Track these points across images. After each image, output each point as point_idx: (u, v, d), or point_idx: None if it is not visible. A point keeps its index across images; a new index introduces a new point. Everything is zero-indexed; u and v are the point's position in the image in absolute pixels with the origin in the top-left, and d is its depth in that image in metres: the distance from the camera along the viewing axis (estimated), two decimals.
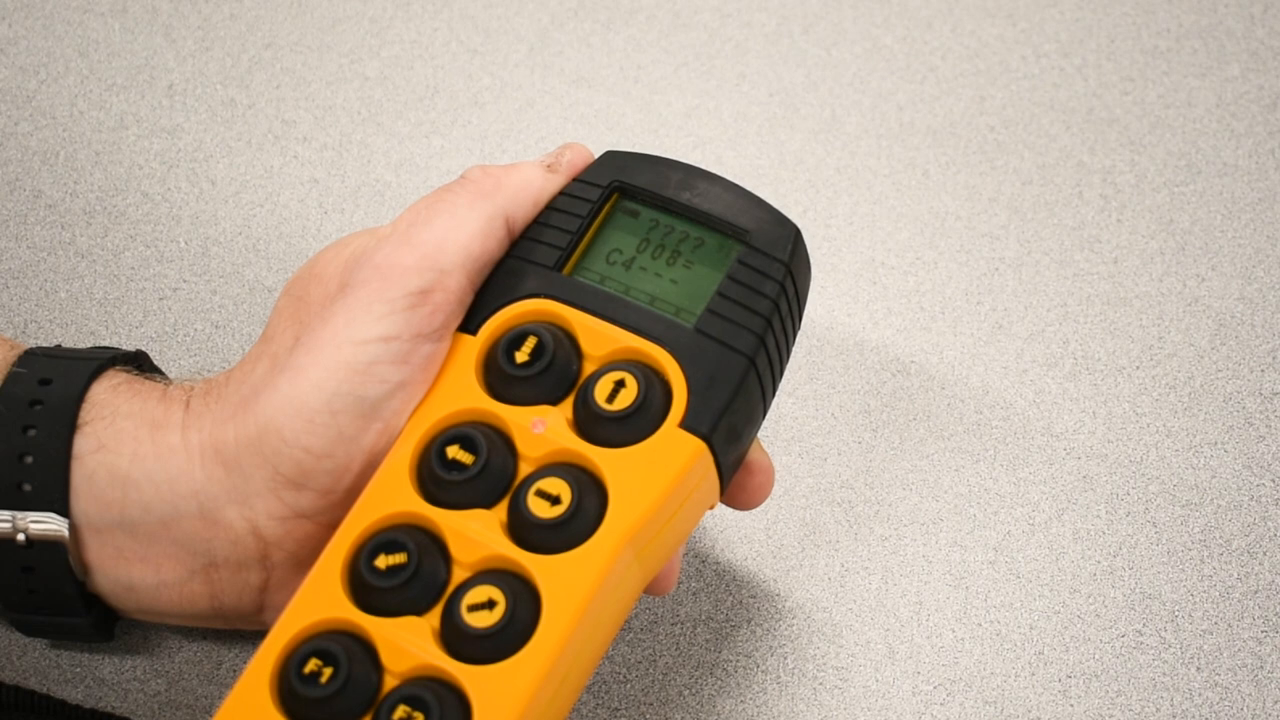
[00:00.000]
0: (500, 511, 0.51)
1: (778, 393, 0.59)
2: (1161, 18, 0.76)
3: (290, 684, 0.48)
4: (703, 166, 0.56)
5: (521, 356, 0.52)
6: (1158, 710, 0.59)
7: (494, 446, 0.51)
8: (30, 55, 0.74)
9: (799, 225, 0.55)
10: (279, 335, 0.54)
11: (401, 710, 0.48)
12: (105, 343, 0.66)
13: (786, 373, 0.65)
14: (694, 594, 0.61)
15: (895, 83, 0.74)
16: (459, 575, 0.50)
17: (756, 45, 0.75)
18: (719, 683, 0.59)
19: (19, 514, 0.52)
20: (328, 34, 0.75)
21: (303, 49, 0.74)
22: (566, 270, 0.54)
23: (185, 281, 0.68)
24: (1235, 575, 0.61)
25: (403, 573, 0.49)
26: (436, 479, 0.51)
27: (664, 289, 0.54)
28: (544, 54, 0.74)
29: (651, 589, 0.55)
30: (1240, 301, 0.68)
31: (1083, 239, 0.69)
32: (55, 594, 0.53)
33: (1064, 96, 0.73)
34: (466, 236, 0.53)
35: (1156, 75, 0.74)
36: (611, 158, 0.56)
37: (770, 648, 0.60)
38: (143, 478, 0.52)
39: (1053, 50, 0.75)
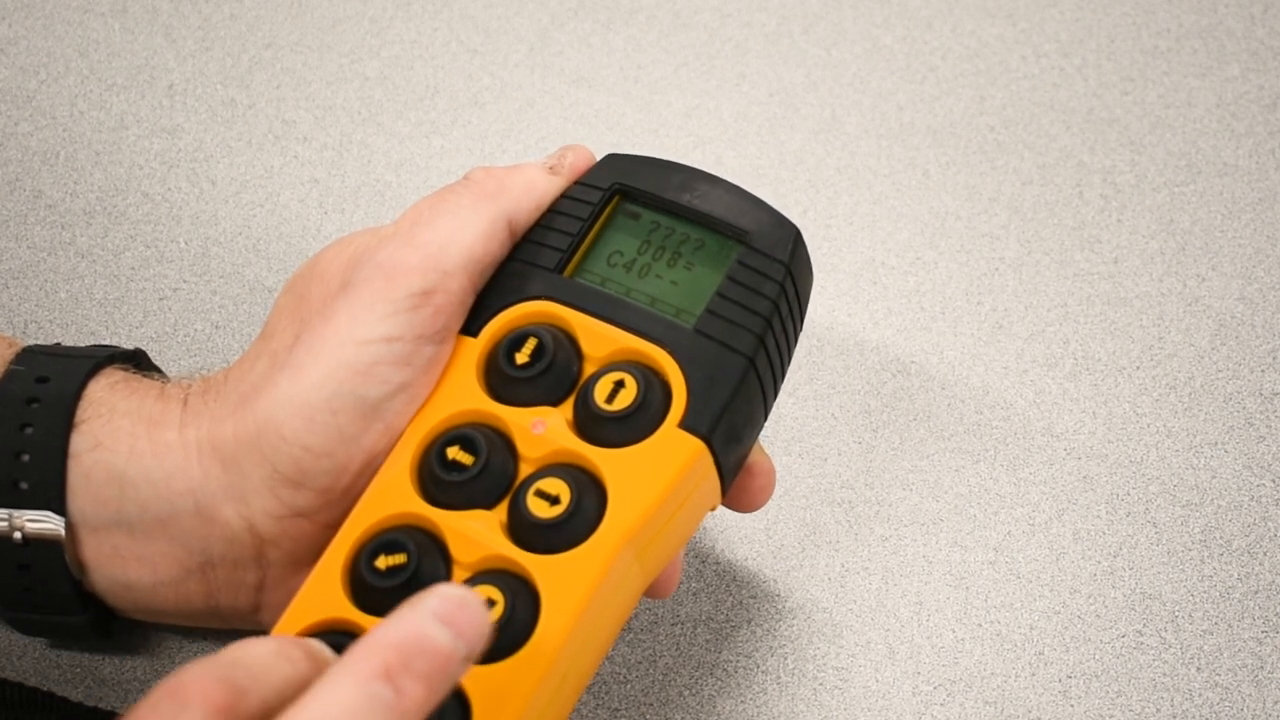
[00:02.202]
0: (500, 512, 0.51)
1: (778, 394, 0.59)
2: (1161, 18, 0.76)
3: None
4: (703, 167, 0.56)
5: (522, 358, 0.52)
6: (1158, 710, 0.59)
7: (494, 447, 0.51)
8: (30, 55, 0.74)
9: (799, 225, 0.55)
10: (279, 333, 0.53)
11: None
12: (105, 343, 0.65)
13: (787, 373, 0.65)
14: (694, 594, 0.61)
15: (895, 83, 0.74)
16: (459, 575, 0.50)
17: (756, 45, 0.75)
18: (719, 683, 0.59)
19: (15, 512, 0.52)
20: (328, 34, 0.75)
21: (303, 49, 0.74)
22: (567, 272, 0.54)
23: (185, 281, 0.68)
24: (1235, 575, 0.61)
25: (402, 573, 0.49)
26: (437, 480, 0.51)
27: (664, 290, 0.54)
28: (544, 54, 0.74)
29: (652, 592, 0.54)
30: (1240, 301, 0.68)
31: (1083, 239, 0.69)
32: (52, 593, 0.53)
33: (1064, 96, 0.73)
34: (470, 238, 0.53)
35: (1156, 75, 0.74)
36: (612, 160, 0.56)
37: (770, 648, 0.60)
38: (139, 476, 0.52)
39: (1053, 50, 0.75)
